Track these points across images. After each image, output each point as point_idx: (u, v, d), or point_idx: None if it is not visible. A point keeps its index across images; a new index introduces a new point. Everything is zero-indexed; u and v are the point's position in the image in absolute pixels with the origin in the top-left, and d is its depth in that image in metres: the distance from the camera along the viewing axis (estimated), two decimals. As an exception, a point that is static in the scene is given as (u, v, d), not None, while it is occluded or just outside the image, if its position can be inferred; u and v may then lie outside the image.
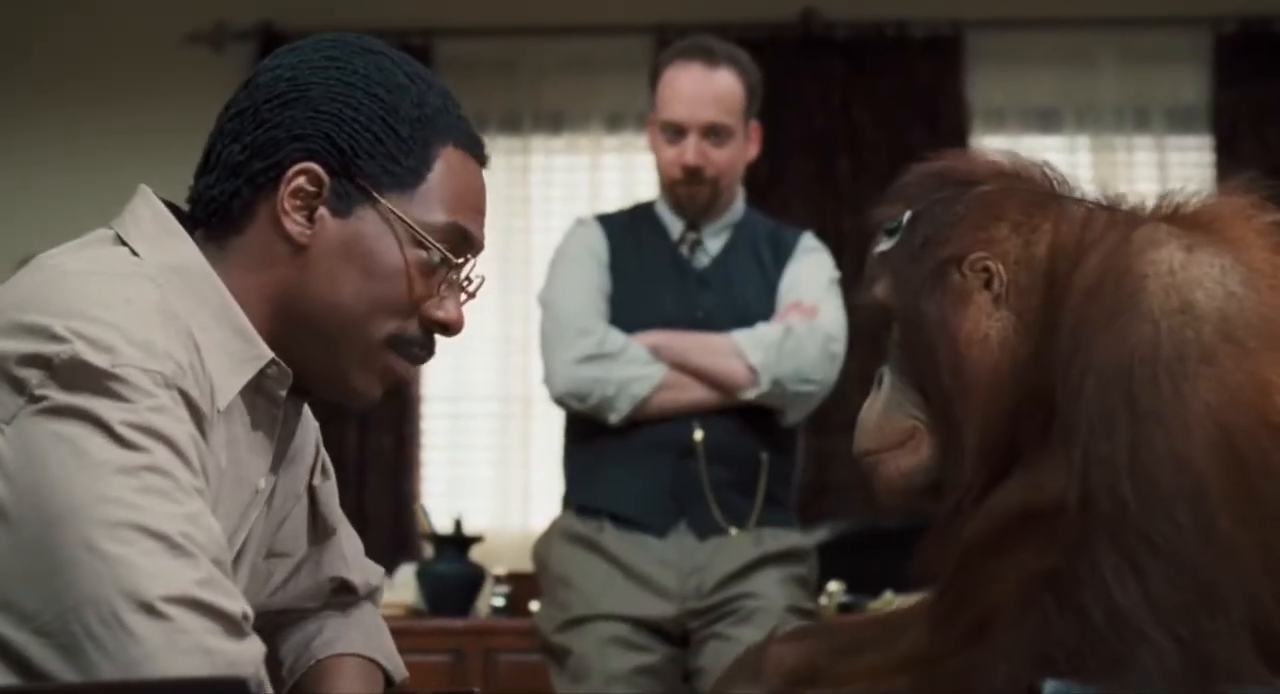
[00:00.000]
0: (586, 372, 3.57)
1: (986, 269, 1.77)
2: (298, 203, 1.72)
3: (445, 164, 1.76)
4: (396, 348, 1.76)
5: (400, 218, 1.73)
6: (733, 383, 3.58)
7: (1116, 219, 1.77)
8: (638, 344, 3.58)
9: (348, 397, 1.79)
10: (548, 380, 3.66)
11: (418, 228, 1.74)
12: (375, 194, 1.73)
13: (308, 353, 1.75)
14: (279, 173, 1.72)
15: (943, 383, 1.76)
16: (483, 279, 1.82)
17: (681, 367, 3.57)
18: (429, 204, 1.75)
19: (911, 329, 1.80)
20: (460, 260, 1.77)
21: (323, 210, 1.72)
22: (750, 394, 3.58)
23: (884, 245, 1.86)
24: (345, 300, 1.73)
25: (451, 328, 1.79)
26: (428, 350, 1.80)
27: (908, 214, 1.84)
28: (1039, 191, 1.83)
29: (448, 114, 1.78)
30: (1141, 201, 1.83)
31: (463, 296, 1.81)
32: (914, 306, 1.79)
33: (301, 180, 1.72)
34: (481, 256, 1.82)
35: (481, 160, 1.82)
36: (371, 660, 1.99)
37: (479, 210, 1.80)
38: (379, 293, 1.73)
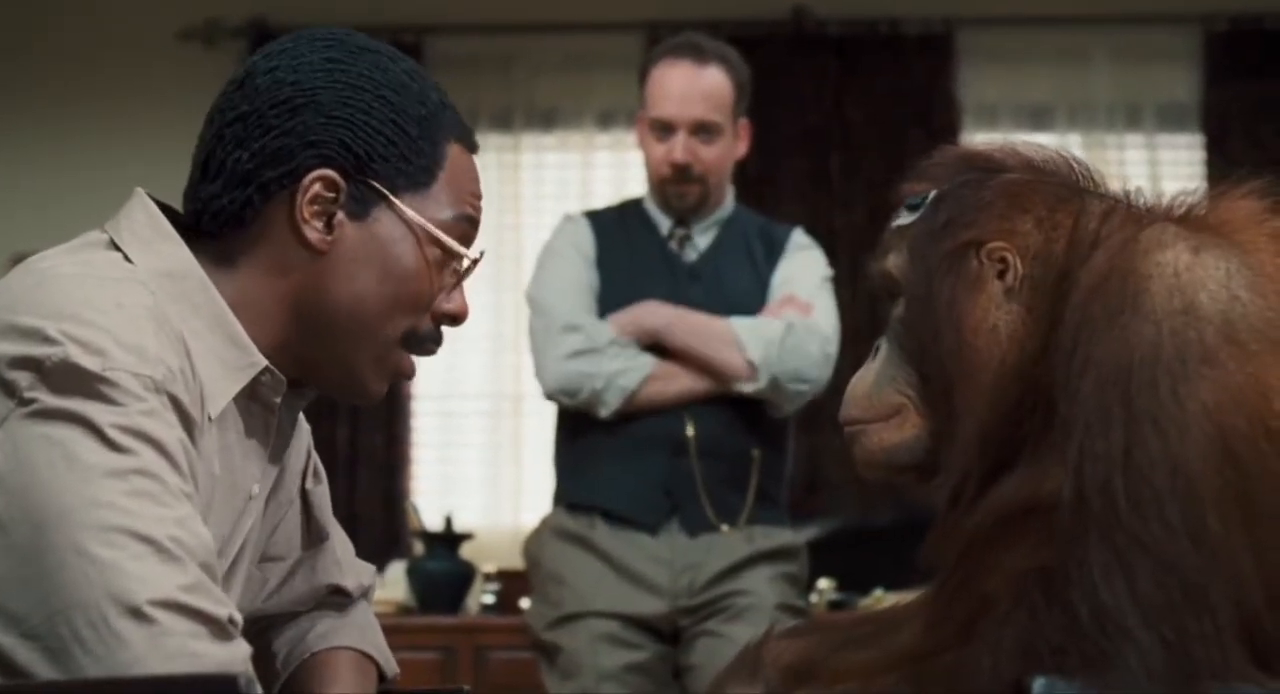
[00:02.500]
0: (575, 367, 3.57)
1: (1004, 259, 1.77)
2: (316, 209, 1.71)
3: (452, 160, 1.78)
4: (408, 345, 1.78)
5: (417, 219, 1.74)
6: (730, 374, 3.57)
7: (1131, 217, 1.77)
8: (631, 325, 3.57)
9: (358, 396, 1.81)
10: (539, 377, 3.67)
11: (433, 228, 1.74)
12: (391, 197, 1.73)
13: (323, 355, 1.76)
14: (294, 180, 1.71)
15: (942, 366, 1.76)
16: (481, 253, 1.83)
17: (683, 351, 3.57)
18: (440, 202, 1.76)
19: (918, 306, 1.80)
20: (470, 253, 1.79)
21: (340, 215, 1.72)
22: (747, 388, 3.58)
23: (903, 219, 1.85)
24: (365, 302, 1.73)
25: (460, 318, 1.81)
26: (438, 343, 1.81)
27: (933, 192, 1.83)
28: (1066, 185, 1.82)
29: (446, 109, 1.79)
30: (1160, 199, 1.82)
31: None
32: (925, 285, 1.79)
33: (319, 187, 1.71)
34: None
35: (473, 149, 1.83)
36: (365, 654, 1.99)
37: (479, 197, 1.81)
38: (399, 293, 1.74)
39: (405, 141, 1.74)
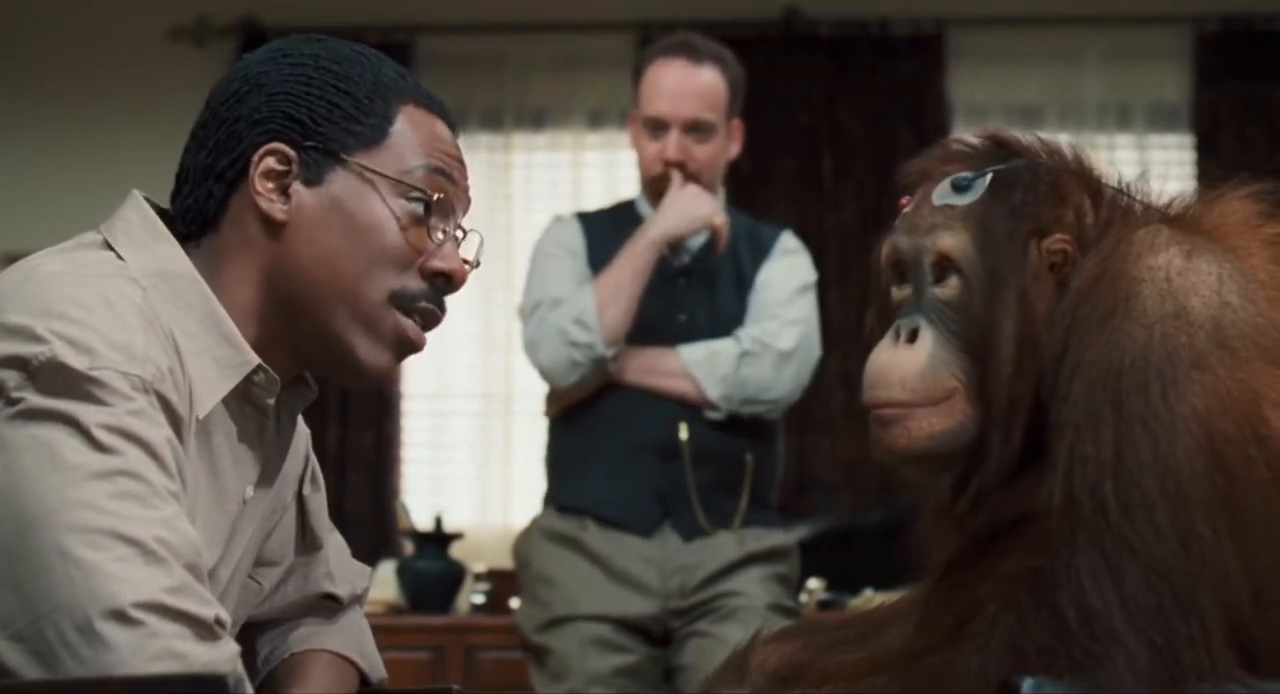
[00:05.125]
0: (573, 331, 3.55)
1: (1064, 252, 1.75)
2: (270, 184, 1.72)
3: (408, 118, 1.76)
4: (400, 306, 1.74)
5: (373, 171, 1.72)
6: (689, 402, 3.57)
7: (1127, 215, 1.77)
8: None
9: (357, 371, 1.76)
10: (538, 359, 3.62)
11: (392, 175, 1.73)
12: (342, 155, 1.72)
13: (308, 332, 1.74)
14: (246, 162, 1.72)
15: (1004, 355, 1.73)
16: (481, 240, 1.81)
17: (637, 389, 3.57)
18: (399, 154, 1.74)
19: (987, 292, 1.75)
20: (441, 196, 1.75)
21: (296, 184, 1.72)
22: (710, 415, 3.58)
23: (953, 197, 1.79)
24: (336, 262, 1.71)
25: (454, 279, 1.77)
26: (436, 305, 1.77)
27: (988, 172, 1.79)
28: (1084, 175, 1.81)
29: (404, 80, 1.78)
30: (1155, 196, 1.81)
31: (466, 266, 1.79)
32: (997, 271, 1.75)
33: (270, 161, 1.72)
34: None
35: (449, 123, 1.81)
36: (345, 658, 1.98)
37: (453, 157, 1.79)
38: (368, 246, 1.72)
39: (350, 103, 1.73)
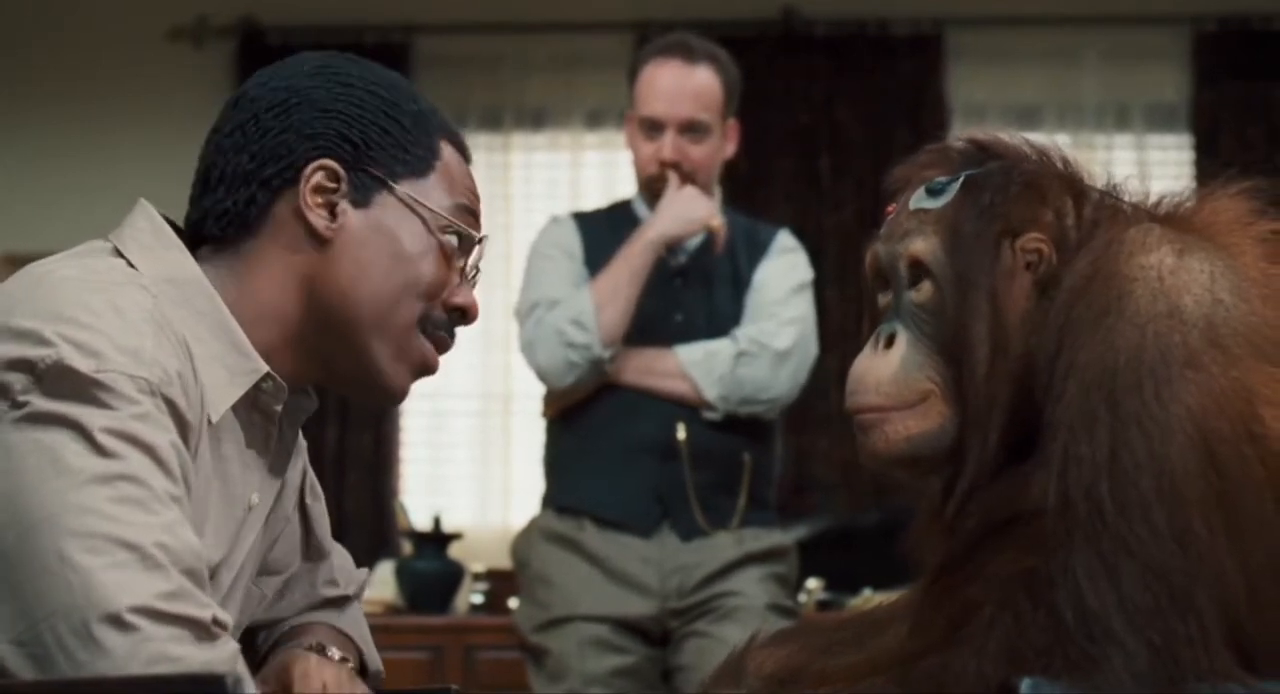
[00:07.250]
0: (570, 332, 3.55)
1: (1038, 251, 1.76)
2: (319, 199, 1.74)
3: (446, 153, 1.81)
4: (425, 330, 1.79)
5: (420, 202, 1.77)
6: (687, 403, 3.57)
7: (1119, 215, 1.77)
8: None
9: (378, 391, 1.81)
10: (535, 360, 3.63)
11: (439, 211, 1.78)
12: (390, 182, 1.76)
13: (339, 349, 1.77)
14: (295, 173, 1.74)
15: (977, 355, 1.73)
16: (478, 269, 1.85)
17: (634, 389, 3.57)
18: (440, 191, 1.79)
19: (957, 293, 1.76)
20: (478, 240, 1.81)
21: (344, 204, 1.75)
22: (707, 415, 3.58)
23: (927, 202, 1.80)
24: (374, 284, 1.75)
25: (469, 314, 1.83)
26: (451, 336, 1.83)
27: (961, 176, 1.80)
28: (1067, 177, 1.82)
29: (437, 115, 1.83)
30: (1146, 195, 1.81)
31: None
32: (966, 272, 1.75)
33: (320, 177, 1.74)
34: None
35: (469, 159, 1.86)
36: (345, 635, 1.97)
37: (478, 197, 1.84)
38: (408, 274, 1.76)
39: (400, 132, 1.78)
